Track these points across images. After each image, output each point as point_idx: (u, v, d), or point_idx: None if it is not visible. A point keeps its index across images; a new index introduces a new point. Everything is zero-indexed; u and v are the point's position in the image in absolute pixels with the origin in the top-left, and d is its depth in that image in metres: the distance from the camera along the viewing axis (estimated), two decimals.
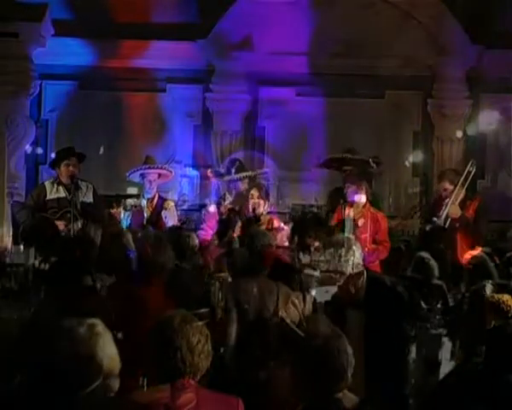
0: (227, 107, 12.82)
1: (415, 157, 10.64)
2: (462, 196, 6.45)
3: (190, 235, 5.36)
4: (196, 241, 5.31)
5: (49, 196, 6.11)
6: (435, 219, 6.54)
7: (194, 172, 12.94)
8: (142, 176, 7.57)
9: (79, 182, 6.39)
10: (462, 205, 6.41)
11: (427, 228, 6.40)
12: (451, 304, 3.80)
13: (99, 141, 11.81)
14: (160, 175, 7.85)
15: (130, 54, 11.74)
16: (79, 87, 12.25)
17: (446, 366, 2.06)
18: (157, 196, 7.74)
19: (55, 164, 6.47)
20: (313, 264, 6.34)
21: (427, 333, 2.17)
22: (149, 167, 7.78)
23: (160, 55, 11.76)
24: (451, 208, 6.35)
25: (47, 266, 4.53)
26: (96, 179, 11.46)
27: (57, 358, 1.36)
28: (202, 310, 3.72)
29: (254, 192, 10.10)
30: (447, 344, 2.36)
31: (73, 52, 11.19)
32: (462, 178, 6.50)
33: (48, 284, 3.43)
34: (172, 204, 8.29)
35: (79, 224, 5.60)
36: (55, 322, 1.64)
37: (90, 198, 6.28)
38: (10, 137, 10.34)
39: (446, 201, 6.45)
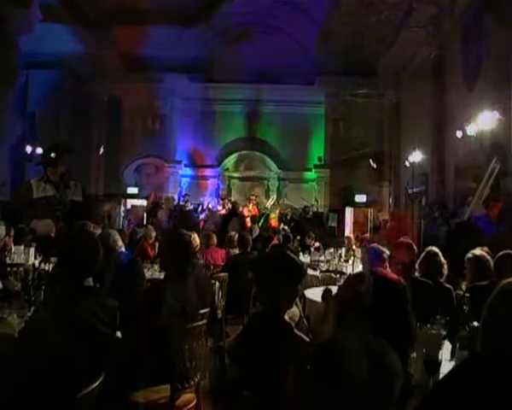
0: (227, 106, 12.82)
1: (415, 157, 10.60)
2: (486, 193, 6.19)
3: (192, 235, 5.30)
4: (198, 241, 5.27)
5: (35, 195, 5.91)
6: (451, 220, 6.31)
7: (193, 172, 13.01)
8: (138, 171, 7.57)
9: (70, 182, 6.24)
10: (486, 205, 6.13)
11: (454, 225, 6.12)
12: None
13: (95, 137, 11.70)
14: (157, 169, 7.87)
15: (124, 42, 11.01)
16: (68, 76, 11.37)
17: (446, 366, 2.05)
18: (153, 194, 7.77)
19: (42, 163, 6.28)
20: (313, 264, 6.37)
21: (427, 333, 2.17)
22: (145, 156, 7.80)
23: (157, 44, 11.21)
24: (475, 207, 6.12)
25: (47, 266, 4.53)
26: (96, 179, 11.50)
27: (53, 358, 1.36)
28: (203, 310, 3.69)
29: (255, 192, 10.16)
30: (447, 344, 2.35)
31: (62, 39, 9.98)
32: (486, 175, 6.26)
33: (48, 283, 3.42)
34: (169, 203, 8.31)
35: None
36: (53, 323, 1.64)
37: (79, 197, 6.15)
38: None
39: (469, 199, 6.23)
